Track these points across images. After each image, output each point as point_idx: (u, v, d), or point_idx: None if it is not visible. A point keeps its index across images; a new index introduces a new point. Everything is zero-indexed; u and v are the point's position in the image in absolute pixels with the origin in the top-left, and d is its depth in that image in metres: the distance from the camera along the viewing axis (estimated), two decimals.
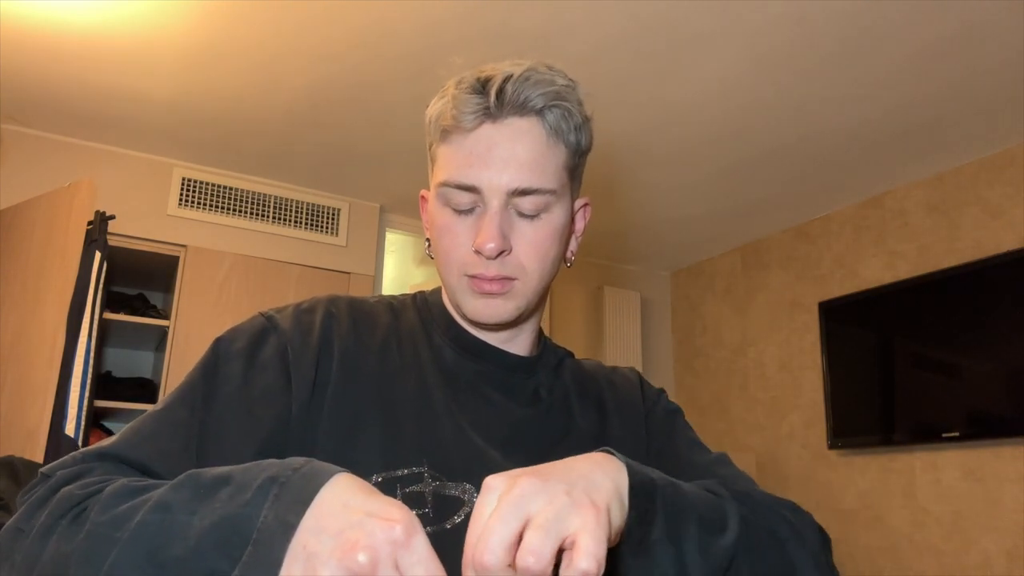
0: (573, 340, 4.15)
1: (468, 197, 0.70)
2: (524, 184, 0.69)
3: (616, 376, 0.86)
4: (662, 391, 0.86)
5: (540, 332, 0.84)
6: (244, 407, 0.65)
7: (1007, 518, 2.83)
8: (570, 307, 4.25)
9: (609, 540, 0.46)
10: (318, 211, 3.56)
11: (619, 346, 4.18)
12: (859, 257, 3.53)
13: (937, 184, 3.26)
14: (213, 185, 3.36)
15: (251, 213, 3.41)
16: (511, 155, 0.68)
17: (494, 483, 0.46)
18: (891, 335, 3.31)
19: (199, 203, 3.31)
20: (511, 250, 0.70)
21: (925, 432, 3.09)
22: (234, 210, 3.37)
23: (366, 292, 3.59)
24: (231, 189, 3.39)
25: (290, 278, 3.40)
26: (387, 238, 3.79)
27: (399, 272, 4.21)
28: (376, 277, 3.68)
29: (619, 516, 0.49)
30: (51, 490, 0.56)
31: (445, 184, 0.70)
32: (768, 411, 3.86)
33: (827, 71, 2.55)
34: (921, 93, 2.67)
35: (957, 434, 2.97)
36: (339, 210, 3.61)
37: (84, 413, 2.29)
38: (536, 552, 0.41)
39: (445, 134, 0.72)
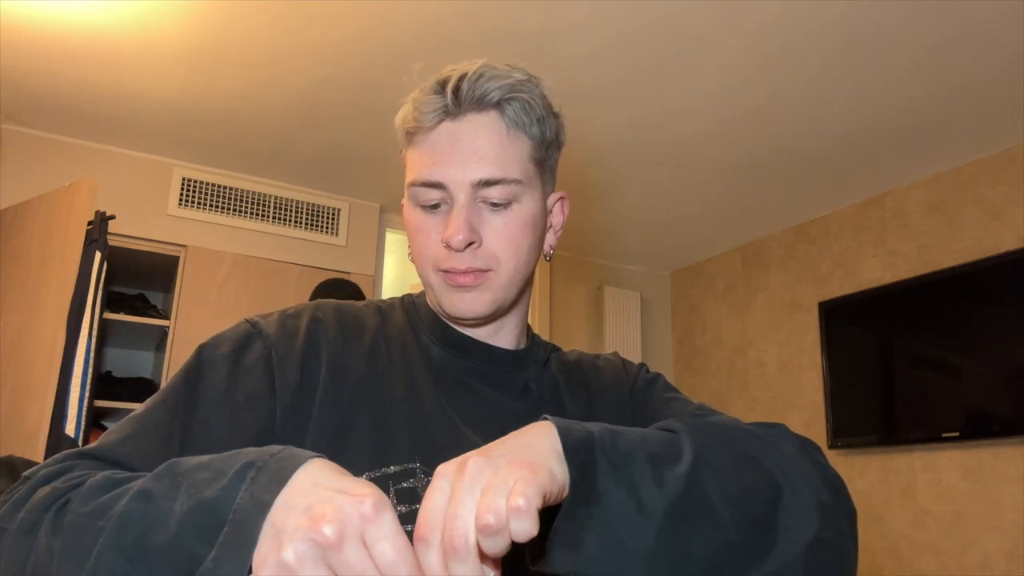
0: (573, 340, 4.15)
1: (436, 194, 0.72)
2: (487, 175, 0.70)
3: (600, 361, 0.87)
4: (642, 365, 0.88)
5: (528, 328, 0.85)
6: (228, 411, 0.65)
7: (1007, 518, 2.83)
8: (570, 307, 4.25)
9: (553, 494, 0.48)
10: (318, 211, 3.56)
11: (619, 346, 4.18)
12: (859, 257, 3.53)
13: (937, 184, 3.26)
14: (213, 185, 3.36)
15: (251, 213, 3.41)
16: (473, 149, 0.70)
17: (445, 470, 0.48)
18: (891, 335, 3.31)
19: (199, 203, 3.31)
20: (481, 242, 0.72)
21: (925, 432, 3.09)
22: (234, 210, 3.37)
23: (366, 292, 3.59)
24: (231, 189, 3.39)
25: (290, 278, 3.40)
26: (387, 238, 3.79)
27: (399, 272, 4.21)
28: (376, 277, 3.68)
29: (561, 472, 0.50)
30: (32, 488, 0.56)
31: (413, 184, 0.73)
32: (768, 411, 3.86)
33: (827, 72, 2.55)
34: (921, 94, 2.67)
35: (957, 434, 2.97)
36: (339, 210, 3.61)
37: (84, 413, 2.29)
38: (492, 509, 0.44)
39: (410, 136, 0.74)
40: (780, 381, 3.83)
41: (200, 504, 0.46)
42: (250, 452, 0.49)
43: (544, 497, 0.46)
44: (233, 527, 0.45)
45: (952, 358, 3.05)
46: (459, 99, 0.71)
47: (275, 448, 0.49)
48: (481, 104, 0.71)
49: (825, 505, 0.59)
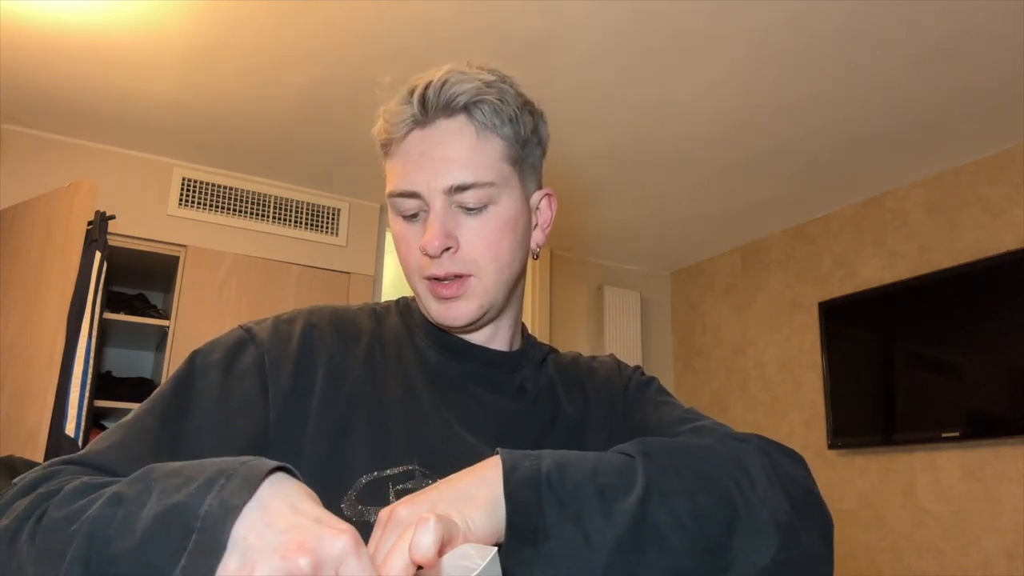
0: (573, 340, 4.15)
1: (413, 203, 0.72)
2: (459, 180, 0.70)
3: (595, 362, 0.88)
4: (637, 367, 0.88)
5: (523, 328, 0.86)
6: (221, 417, 0.65)
7: (1007, 518, 2.83)
8: (570, 307, 4.25)
9: (458, 542, 0.49)
10: (318, 211, 3.56)
11: (619, 346, 4.18)
12: (859, 257, 3.53)
13: (937, 184, 3.26)
14: (213, 185, 3.36)
15: (251, 213, 3.41)
16: (442, 155, 0.71)
17: (381, 516, 0.50)
18: (891, 335, 3.31)
19: (199, 203, 3.31)
20: (459, 247, 0.72)
21: (925, 432, 3.09)
22: (234, 210, 3.37)
23: (366, 292, 3.60)
24: (231, 189, 3.39)
25: (290, 278, 3.40)
26: (387, 238, 3.79)
27: (399, 272, 4.19)
28: (376, 277, 3.68)
29: (490, 520, 0.51)
30: (16, 496, 0.55)
31: (390, 195, 0.74)
32: (768, 411, 3.86)
33: (827, 71, 2.55)
34: (921, 93, 2.67)
35: (957, 434, 2.97)
36: (339, 210, 3.61)
37: (84, 413, 2.29)
38: (389, 566, 0.45)
39: (384, 148, 0.75)
40: (780, 381, 3.83)
41: (166, 510, 0.45)
42: (223, 461, 0.49)
43: (447, 540, 0.47)
44: (201, 534, 0.44)
45: (952, 358, 3.05)
46: (426, 107, 0.71)
47: (245, 457, 0.49)
48: (448, 110, 0.71)
49: (785, 525, 0.58)
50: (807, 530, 0.60)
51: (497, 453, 0.56)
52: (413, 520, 0.48)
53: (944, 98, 2.70)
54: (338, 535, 0.42)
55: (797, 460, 0.66)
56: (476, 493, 0.52)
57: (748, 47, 2.43)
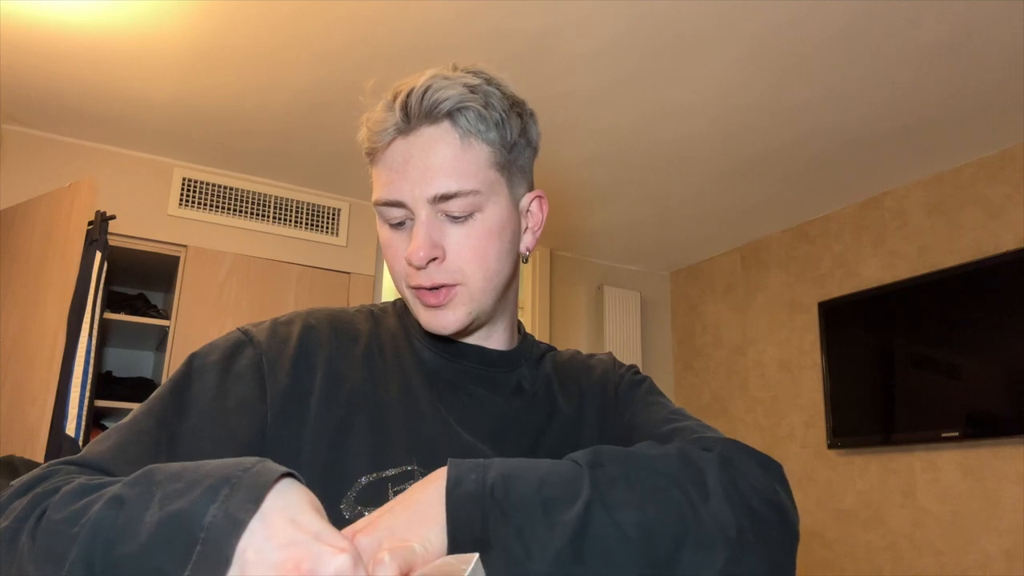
0: (573, 340, 4.15)
1: (398, 212, 0.71)
2: (443, 190, 0.69)
3: (592, 360, 0.87)
4: (632, 366, 0.87)
5: (520, 326, 0.86)
6: (219, 418, 0.65)
7: (1007, 518, 2.83)
8: (570, 307, 4.25)
9: (420, 563, 0.49)
10: (318, 211, 3.56)
11: (619, 346, 4.18)
12: (859, 257, 3.54)
13: (937, 184, 3.26)
14: (213, 185, 3.36)
15: (251, 213, 3.41)
16: (426, 164, 0.69)
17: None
18: (891, 335, 3.31)
19: (199, 203, 3.31)
20: (444, 257, 0.71)
21: (925, 432, 3.09)
22: (234, 210, 3.37)
23: (366, 292, 3.60)
24: (231, 189, 3.39)
25: (290, 278, 3.40)
26: None
27: None
28: (376, 277, 3.68)
29: (445, 535, 0.52)
30: (12, 497, 0.55)
31: (376, 203, 0.73)
32: (768, 411, 3.86)
33: (827, 71, 2.55)
34: (921, 93, 2.67)
35: (956, 434, 2.97)
36: (339, 210, 3.61)
37: (84, 413, 2.29)
38: None
39: (370, 156, 0.74)
40: (780, 381, 3.83)
41: (170, 517, 0.45)
42: (224, 465, 0.48)
43: (407, 569, 0.47)
44: (206, 546, 0.44)
45: (952, 358, 3.05)
46: (408, 115, 0.70)
47: (249, 461, 0.49)
48: (431, 117, 0.70)
49: (735, 540, 0.57)
50: (762, 545, 0.59)
51: (450, 461, 0.56)
52: (372, 552, 0.48)
53: (944, 98, 2.70)
54: (336, 554, 0.42)
55: (769, 468, 0.65)
56: (428, 511, 0.53)
57: (748, 48, 2.44)
